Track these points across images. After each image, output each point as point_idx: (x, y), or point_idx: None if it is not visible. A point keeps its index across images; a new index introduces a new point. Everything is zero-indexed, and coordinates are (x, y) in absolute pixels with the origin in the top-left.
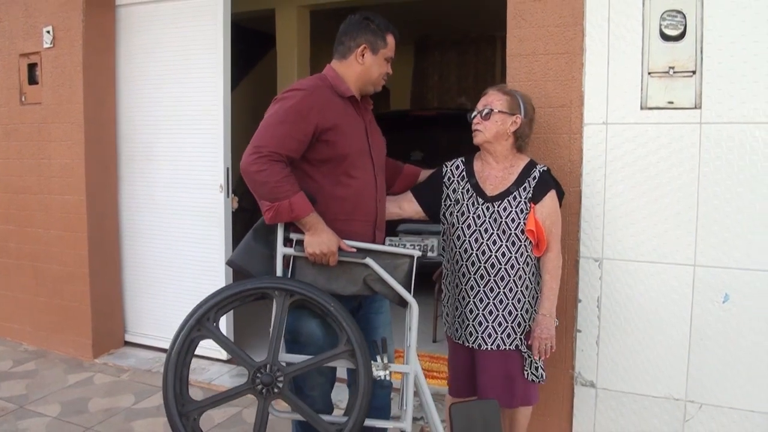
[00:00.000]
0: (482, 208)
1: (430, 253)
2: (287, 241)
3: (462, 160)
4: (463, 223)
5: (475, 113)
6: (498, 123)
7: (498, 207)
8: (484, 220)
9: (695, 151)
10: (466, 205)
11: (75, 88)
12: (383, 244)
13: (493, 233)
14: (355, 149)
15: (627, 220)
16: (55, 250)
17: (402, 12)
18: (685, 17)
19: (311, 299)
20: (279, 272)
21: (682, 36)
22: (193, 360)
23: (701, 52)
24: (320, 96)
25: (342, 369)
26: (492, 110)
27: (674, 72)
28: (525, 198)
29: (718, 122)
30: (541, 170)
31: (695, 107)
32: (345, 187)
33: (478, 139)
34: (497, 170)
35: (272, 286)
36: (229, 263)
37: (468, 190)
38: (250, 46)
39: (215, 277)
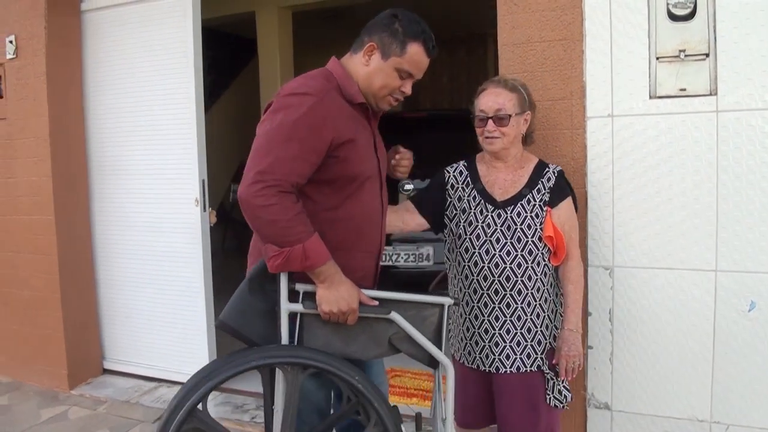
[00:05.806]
0: (492, 216)
1: (426, 262)
2: (292, 294)
3: (464, 164)
4: (471, 234)
5: (484, 117)
6: (514, 127)
7: (511, 213)
8: (495, 229)
9: (712, 142)
10: (474, 213)
11: (39, 100)
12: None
13: (506, 243)
14: (366, 167)
15: (639, 223)
16: (25, 275)
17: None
18: None
19: (332, 374)
20: (284, 337)
21: (692, 15)
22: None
23: (714, 31)
24: (333, 103)
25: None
26: (509, 115)
27: (685, 55)
28: (540, 201)
29: (736, 109)
30: (555, 171)
31: (710, 94)
32: (348, 212)
33: (495, 146)
34: (506, 173)
35: (283, 361)
36: (219, 326)
37: (475, 197)
38: (233, 53)
39: (194, 296)
